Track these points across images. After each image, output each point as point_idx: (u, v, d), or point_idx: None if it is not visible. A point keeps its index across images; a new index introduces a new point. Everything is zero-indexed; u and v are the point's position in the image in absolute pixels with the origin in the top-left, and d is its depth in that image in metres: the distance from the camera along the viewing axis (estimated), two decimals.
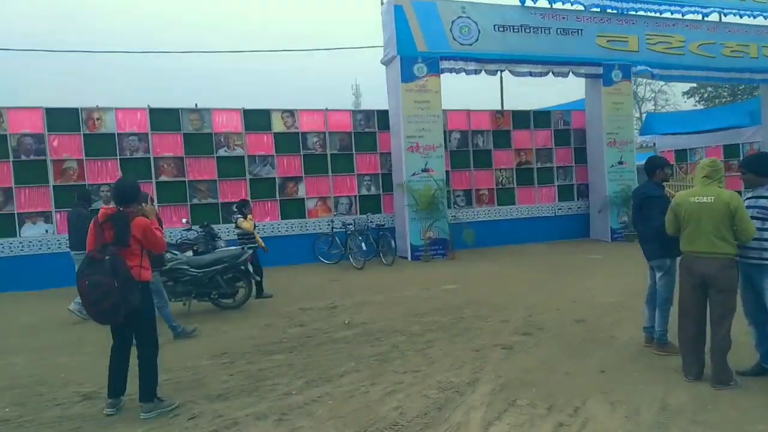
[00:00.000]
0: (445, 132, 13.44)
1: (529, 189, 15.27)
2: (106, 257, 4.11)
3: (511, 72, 13.62)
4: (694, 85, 39.67)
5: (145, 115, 11.97)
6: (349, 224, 12.46)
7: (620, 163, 14.55)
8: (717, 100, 39.58)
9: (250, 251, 8.40)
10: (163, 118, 12.12)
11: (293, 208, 13.11)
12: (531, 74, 13.79)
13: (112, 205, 4.44)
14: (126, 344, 4.42)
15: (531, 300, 7.71)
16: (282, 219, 12.95)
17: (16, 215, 11.03)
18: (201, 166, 12.43)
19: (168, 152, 12.17)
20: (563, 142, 15.65)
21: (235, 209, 9.59)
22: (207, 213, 12.24)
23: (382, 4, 12.96)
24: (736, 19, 15.67)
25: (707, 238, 4.26)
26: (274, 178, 12.96)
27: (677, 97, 42.23)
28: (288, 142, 13.05)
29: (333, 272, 11.44)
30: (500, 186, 14.94)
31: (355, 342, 5.96)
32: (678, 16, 14.97)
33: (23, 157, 11.13)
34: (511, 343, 5.63)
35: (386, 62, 13.08)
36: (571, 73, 14.18)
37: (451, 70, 12.95)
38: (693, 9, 15.00)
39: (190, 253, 10.32)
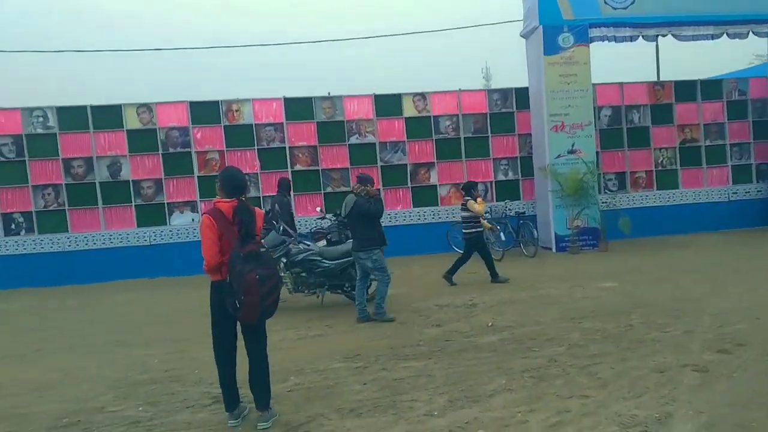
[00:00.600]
0: (594, 108, 11.96)
1: (696, 170, 13.22)
2: (262, 249, 3.91)
3: (675, 36, 11.74)
4: None
5: (281, 105, 12.03)
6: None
7: None
8: None
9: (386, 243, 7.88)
10: (297, 108, 12.10)
11: (425, 196, 12.52)
12: (700, 38, 11.78)
13: (223, 198, 3.91)
14: (235, 345, 4.08)
15: (716, 305, 6.34)
16: (414, 207, 12.43)
17: (165, 205, 11.65)
18: (333, 154, 12.27)
19: (302, 141, 12.15)
20: (738, 115, 13.34)
21: (463, 191, 9.26)
22: (340, 201, 11.97)
23: None
24: None
25: None
26: (406, 164, 12.45)
27: None
28: (420, 126, 12.45)
29: (469, 264, 10.64)
30: (660, 168, 13.10)
31: (503, 351, 5.16)
32: None
33: (171, 150, 11.70)
34: (705, 363, 4.48)
35: (526, 34, 11.91)
36: (750, 32, 11.91)
37: (602, 39, 11.46)
38: None
39: (323, 243, 10.22)
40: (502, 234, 10.74)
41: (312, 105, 12.13)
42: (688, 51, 13.98)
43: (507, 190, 12.61)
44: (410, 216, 12.37)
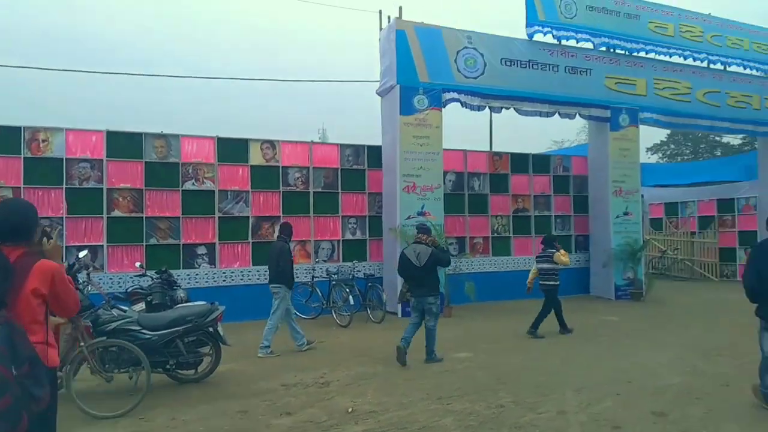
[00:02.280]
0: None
1: (526, 239, 13.97)
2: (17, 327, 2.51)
3: (517, 110, 12.49)
4: (659, 141, 40.25)
5: (102, 139, 10.21)
6: (333, 273, 10.80)
7: (626, 213, 13.45)
8: (679, 157, 40.10)
9: (222, 308, 6.64)
10: (123, 144, 10.38)
11: (267, 252, 11.32)
12: (537, 114, 12.70)
13: None
14: None
15: (574, 378, 6.18)
16: (254, 265, 11.18)
17: None
18: (163, 200, 10.65)
19: (125, 183, 10.39)
20: (562, 189, 14.53)
21: (544, 244, 9.39)
22: (166, 256, 10.41)
23: (380, 29, 11.76)
24: (740, 70, 15.13)
25: None
26: (248, 217, 11.26)
27: (641, 153, 42.59)
28: (266, 176, 11.43)
29: (314, 330, 9.67)
30: (496, 234, 13.60)
31: None
32: (684, 60, 14.30)
33: None
34: None
35: (382, 93, 11.78)
36: (578, 114, 13.20)
37: (454, 102, 11.72)
38: (701, 56, 14.39)
39: (142, 306, 8.54)
40: (350, 297, 9.99)
41: (142, 142, 10.51)
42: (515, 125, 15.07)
43: (355, 250, 12.01)
44: (249, 275, 11.09)
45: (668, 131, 36.46)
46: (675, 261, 18.72)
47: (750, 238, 16.32)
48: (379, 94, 11.89)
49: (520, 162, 14.09)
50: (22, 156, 9.68)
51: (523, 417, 4.91)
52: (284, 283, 8.11)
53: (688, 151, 40.34)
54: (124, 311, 6.26)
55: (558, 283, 9.10)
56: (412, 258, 7.24)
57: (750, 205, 17.10)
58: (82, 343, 5.56)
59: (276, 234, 9.69)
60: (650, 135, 39.46)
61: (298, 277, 11.13)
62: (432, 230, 8.19)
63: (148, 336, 6.06)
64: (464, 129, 21.99)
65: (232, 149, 11.16)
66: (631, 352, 7.55)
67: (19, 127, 9.72)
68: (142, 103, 39.88)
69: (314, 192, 11.80)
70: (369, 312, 10.60)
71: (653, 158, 40.68)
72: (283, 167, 11.55)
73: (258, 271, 11.12)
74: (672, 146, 40.45)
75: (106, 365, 5.95)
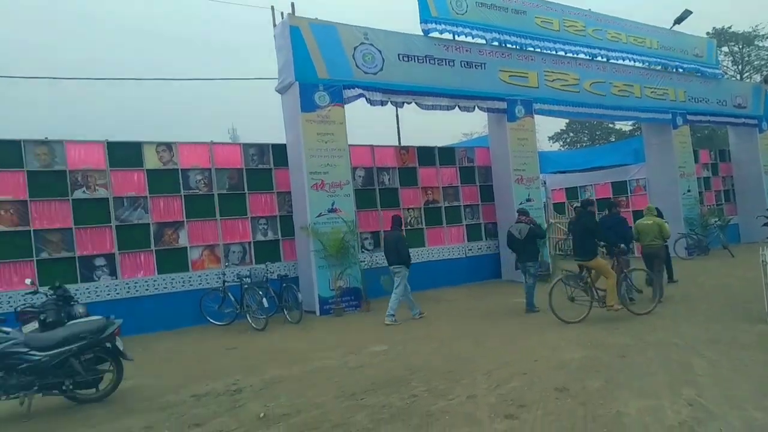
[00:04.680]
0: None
1: (438, 229, 14.32)
2: None
3: (418, 104, 12.71)
4: (559, 130, 42.71)
5: None
6: (245, 276, 10.50)
7: (528, 200, 14.07)
8: (578, 144, 42.76)
9: (119, 321, 6.25)
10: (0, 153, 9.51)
11: (173, 260, 10.87)
12: (438, 107, 13.00)
13: None
14: None
15: (483, 363, 6.39)
16: (159, 273, 10.66)
17: None
18: (52, 211, 9.88)
19: (6, 194, 9.53)
20: (469, 179, 15.00)
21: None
22: (60, 270, 9.69)
23: (274, 26, 11.52)
24: (620, 62, 16.31)
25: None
26: (148, 224, 10.70)
27: (542, 142, 45.07)
28: (165, 180, 10.91)
29: (228, 336, 9.41)
30: (409, 227, 13.81)
31: None
32: (571, 55, 15.21)
33: None
34: None
35: (282, 90, 11.56)
36: (476, 107, 13.62)
37: (356, 98, 11.73)
38: (584, 50, 15.41)
39: (35, 325, 7.90)
40: (264, 299, 9.76)
41: (21, 150, 9.66)
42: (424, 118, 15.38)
43: (267, 252, 11.73)
44: (155, 284, 10.55)
45: (567, 120, 38.76)
46: None
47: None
48: (278, 91, 11.66)
49: (426, 155, 14.38)
50: None
51: (435, 404, 5.01)
52: (404, 264, 9.50)
53: (585, 138, 43.05)
54: (7, 333, 5.73)
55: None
56: (515, 233, 9.53)
57: (640, 186, 18.50)
58: None
59: (390, 225, 10.20)
60: (551, 125, 41.86)
61: (208, 283, 10.85)
62: (529, 212, 10.44)
63: (37, 357, 5.61)
64: (378, 123, 22.10)
65: (124, 154, 10.55)
66: (538, 331, 7.92)
67: None
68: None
69: (219, 194, 11.41)
70: (286, 313, 10.41)
71: (555, 146, 43.07)
72: (182, 170, 11.07)
73: (164, 279, 10.62)
74: (571, 134, 42.99)
75: None
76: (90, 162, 10.22)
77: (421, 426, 4.49)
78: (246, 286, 10.27)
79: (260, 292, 9.90)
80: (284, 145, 11.94)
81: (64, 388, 5.84)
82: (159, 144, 10.92)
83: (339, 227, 11.04)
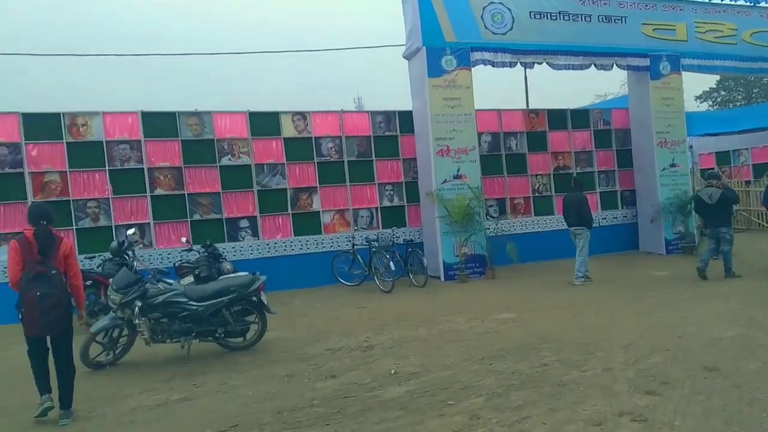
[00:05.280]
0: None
1: None
2: (53, 272, 4.60)
3: (550, 65, 12.06)
4: (708, 89, 38.32)
5: (137, 120, 10.43)
6: (373, 240, 10.84)
7: (672, 165, 12.94)
8: (731, 104, 38.13)
9: (264, 277, 6.78)
10: (158, 124, 10.58)
11: (308, 223, 11.51)
12: (571, 67, 12.23)
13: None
14: (45, 352, 4.68)
15: (621, 335, 6.07)
16: (295, 235, 11.36)
17: None
18: (202, 176, 10.86)
19: (164, 162, 10.62)
20: (604, 143, 14.06)
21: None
22: (210, 230, 10.68)
23: None
24: None
25: None
26: (286, 189, 11.38)
27: (688, 102, 40.76)
28: (300, 148, 11.49)
29: (357, 297, 9.83)
30: (537, 194, 13.34)
31: (415, 408, 4.33)
32: (728, 1, 13.47)
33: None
34: (640, 410, 3.99)
35: (409, 56, 11.56)
36: (615, 65, 12.63)
37: (483, 63, 11.41)
38: None
39: (190, 279, 8.83)
40: (391, 263, 10.04)
41: (176, 121, 10.68)
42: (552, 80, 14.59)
43: (393, 217, 12.02)
44: (291, 245, 11.28)
45: (717, 77, 34.73)
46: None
47: None
48: (405, 57, 11.67)
49: (557, 118, 13.68)
50: (65, 141, 9.99)
51: (567, 375, 4.86)
52: (586, 225, 9.79)
53: (740, 97, 38.42)
54: (170, 284, 6.46)
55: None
56: (705, 198, 9.28)
57: None
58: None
59: (571, 187, 10.55)
60: (698, 83, 37.72)
61: (339, 246, 11.36)
62: (721, 177, 10.58)
63: (194, 307, 6.26)
64: (499, 88, 21.46)
65: (264, 123, 11.24)
66: (682, 306, 7.35)
67: (59, 114, 10.01)
68: (177, 84, 40.48)
69: (348, 161, 11.81)
70: (411, 277, 10.65)
71: (703, 106, 38.90)
72: (315, 138, 11.57)
73: (299, 241, 11.30)
74: (723, 93, 38.61)
75: (158, 335, 6.22)
76: (234, 131, 11.05)
77: (554, 395, 4.39)
78: (374, 249, 10.63)
79: (387, 256, 10.20)
80: (410, 112, 12.00)
81: (216, 335, 6.50)
82: (295, 114, 11.50)
83: (464, 193, 10.95)
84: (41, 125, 9.87)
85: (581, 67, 12.34)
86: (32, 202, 4.71)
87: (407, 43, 11.56)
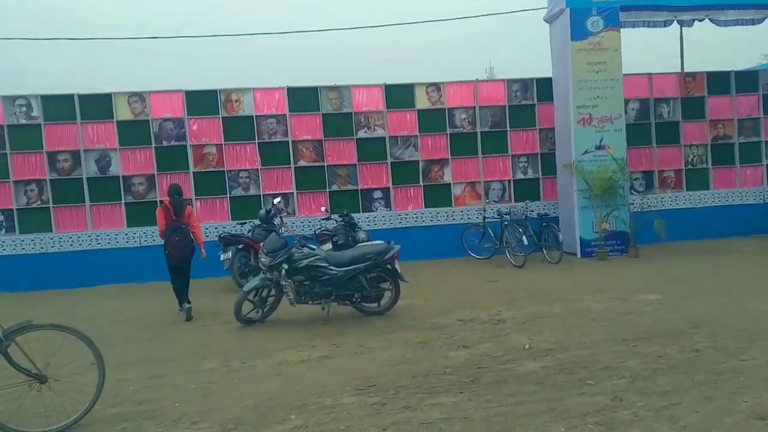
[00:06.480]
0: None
1: (729, 170, 12.29)
2: (183, 225, 7.43)
3: (713, 21, 10.82)
4: None
5: (284, 96, 11.10)
6: (505, 213, 10.62)
7: None
8: None
9: (398, 246, 6.97)
10: (302, 98, 11.18)
11: (438, 195, 11.59)
12: (740, 23, 10.84)
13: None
14: (180, 275, 7.48)
15: None
16: (426, 207, 11.50)
17: (157, 203, 10.75)
18: (340, 149, 11.33)
19: (306, 135, 11.23)
20: None
21: None
22: (346, 201, 11.17)
23: None
24: None
25: None
26: (417, 161, 11.51)
27: None
28: (433, 119, 11.51)
29: (487, 270, 9.76)
30: (690, 166, 12.16)
31: (551, 384, 4.24)
32: None
33: (164, 143, 10.80)
34: None
35: (550, 19, 10.98)
36: None
37: (633, 24, 10.53)
38: None
39: (328, 246, 9.33)
40: (524, 237, 9.79)
41: (317, 95, 11.20)
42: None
43: (526, 190, 11.67)
44: (422, 217, 11.44)
45: None
46: None
47: None
48: (546, 20, 11.09)
49: (718, 81, 12.25)
50: (220, 116, 10.94)
51: (723, 363, 4.45)
52: None
53: None
54: (313, 249, 6.89)
55: None
56: None
57: None
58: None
59: None
60: None
61: (469, 219, 11.31)
62: None
63: (334, 271, 6.62)
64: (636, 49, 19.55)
65: (399, 95, 11.38)
66: None
67: (216, 90, 10.95)
68: (317, 57, 42.23)
69: (481, 132, 11.61)
70: (545, 252, 10.31)
71: None
72: (449, 109, 11.51)
73: (430, 213, 11.42)
74: None
75: (301, 297, 6.69)
76: (371, 104, 11.34)
77: (708, 382, 4.06)
78: (506, 223, 10.43)
79: (520, 230, 9.96)
80: (549, 79, 11.46)
81: (353, 299, 6.84)
82: (429, 85, 11.51)
83: (607, 165, 10.29)
84: (201, 101, 10.89)
85: (752, 22, 10.94)
86: (171, 184, 7.94)
87: (549, 5, 10.99)
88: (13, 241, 10.34)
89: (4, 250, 10.31)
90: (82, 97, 10.57)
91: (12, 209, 10.38)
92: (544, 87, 11.54)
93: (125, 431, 3.87)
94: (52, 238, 10.43)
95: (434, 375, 4.59)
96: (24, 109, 10.45)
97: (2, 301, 9.09)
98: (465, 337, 5.68)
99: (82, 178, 10.55)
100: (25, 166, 10.48)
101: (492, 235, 10.66)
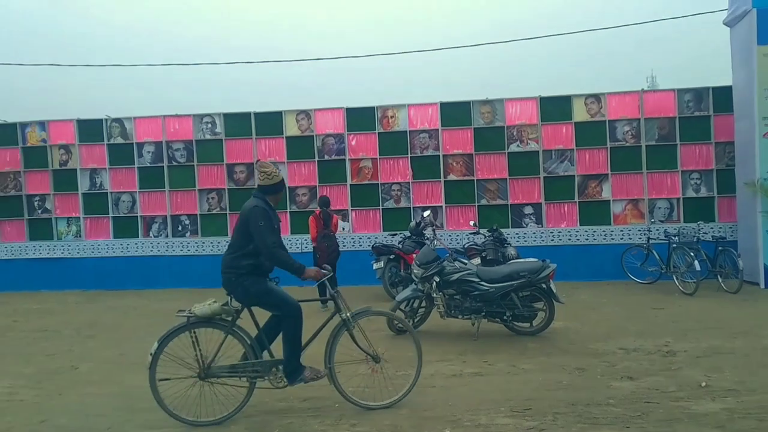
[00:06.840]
0: None
1: None
2: (331, 233, 8.74)
3: None
4: None
5: (437, 111, 11.32)
6: (673, 234, 9.73)
7: None
8: None
9: (554, 265, 6.72)
10: (454, 113, 11.30)
11: (595, 212, 10.96)
12: None
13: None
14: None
15: None
16: (581, 225, 10.94)
17: None
18: (491, 163, 11.24)
19: (457, 149, 11.31)
20: None
21: None
22: (495, 215, 11.02)
23: None
24: None
25: None
26: (573, 176, 11.01)
27: None
28: (592, 132, 10.97)
29: (652, 296, 9.00)
30: None
31: (735, 428, 3.79)
32: None
33: (326, 157, 11.54)
34: None
35: (731, 22, 9.92)
36: None
37: None
38: None
39: (478, 261, 9.27)
40: (696, 262, 8.87)
41: (470, 110, 11.24)
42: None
43: (698, 210, 10.58)
44: (576, 235, 10.90)
45: None
46: None
47: None
48: (726, 24, 10.02)
49: None
50: (377, 132, 11.43)
51: None
52: None
53: None
54: (465, 264, 6.90)
55: None
56: None
57: None
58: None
59: None
60: None
61: (630, 239, 10.55)
62: None
63: (485, 287, 6.56)
64: None
65: (554, 108, 11.02)
66: None
67: (373, 107, 11.47)
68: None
69: (647, 145, 10.79)
70: (720, 280, 9.23)
71: None
72: (609, 121, 10.87)
73: (586, 231, 10.86)
74: None
75: (451, 311, 6.72)
76: (524, 117, 11.11)
77: None
78: (674, 245, 9.55)
79: (691, 254, 9.03)
80: (727, 88, 10.34)
81: (504, 317, 6.70)
82: (588, 96, 10.99)
83: None
84: (360, 117, 11.48)
85: None
86: (321, 196, 9.64)
87: (731, 7, 9.94)
88: (196, 242, 11.72)
89: (189, 250, 11.73)
90: (257, 114, 11.70)
91: (196, 215, 11.78)
92: (723, 96, 10.43)
93: (291, 426, 4.18)
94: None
95: (595, 405, 4.33)
96: (210, 125, 11.83)
97: (189, 295, 10.34)
98: (629, 367, 5.29)
99: (254, 188, 11.65)
100: (208, 176, 11.85)
101: (657, 257, 9.81)
